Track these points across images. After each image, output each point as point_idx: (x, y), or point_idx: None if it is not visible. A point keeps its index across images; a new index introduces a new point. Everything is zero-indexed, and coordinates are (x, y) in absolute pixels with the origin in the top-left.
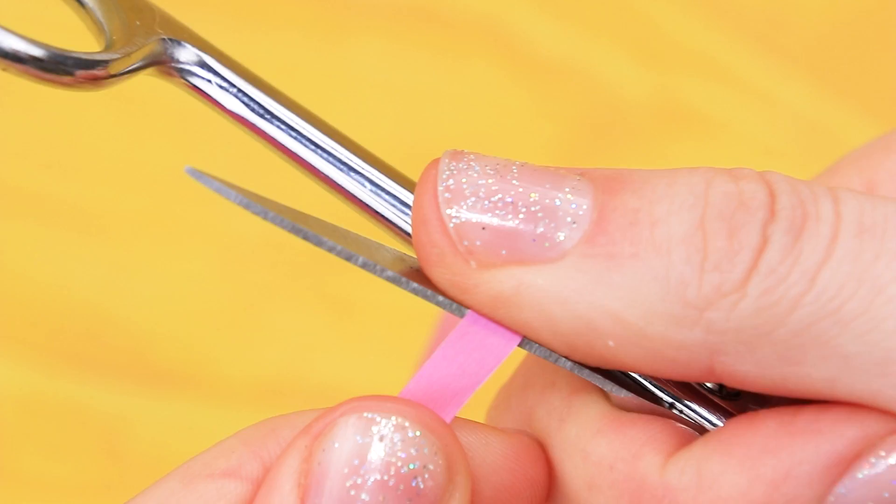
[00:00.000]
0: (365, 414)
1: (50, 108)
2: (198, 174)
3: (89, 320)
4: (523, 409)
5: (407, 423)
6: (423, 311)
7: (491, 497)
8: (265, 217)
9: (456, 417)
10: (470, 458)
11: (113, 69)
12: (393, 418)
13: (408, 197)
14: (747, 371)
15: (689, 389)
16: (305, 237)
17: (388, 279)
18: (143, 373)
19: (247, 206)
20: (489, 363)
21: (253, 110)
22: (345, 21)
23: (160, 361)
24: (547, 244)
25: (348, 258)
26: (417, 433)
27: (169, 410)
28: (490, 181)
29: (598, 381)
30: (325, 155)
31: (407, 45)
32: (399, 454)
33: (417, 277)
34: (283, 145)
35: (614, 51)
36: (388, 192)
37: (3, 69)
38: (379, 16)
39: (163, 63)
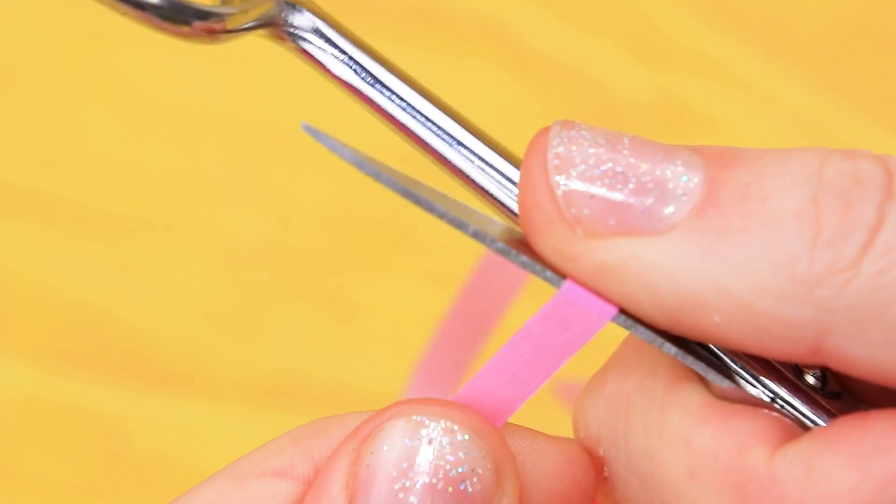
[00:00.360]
0: (414, 417)
1: (50, 108)
2: (314, 131)
3: (89, 320)
4: (620, 397)
5: (455, 427)
6: (422, 312)
7: (540, 503)
8: (377, 178)
9: (507, 423)
10: (520, 464)
11: (229, 24)
12: (442, 422)
13: (515, 174)
14: (855, 353)
15: (791, 384)
16: (417, 202)
17: (498, 250)
18: (143, 373)
19: (360, 167)
20: (582, 336)
21: (364, 80)
22: (345, 21)
23: (160, 361)
24: (655, 216)
25: (459, 226)
26: (466, 437)
27: (169, 410)
28: (601, 150)
29: (702, 369)
30: (434, 128)
31: (407, 45)
32: (447, 457)
33: (525, 250)
34: (393, 116)
35: (614, 51)
36: (495, 168)
37: (123, 14)
38: (379, 16)
39: (277, 25)
